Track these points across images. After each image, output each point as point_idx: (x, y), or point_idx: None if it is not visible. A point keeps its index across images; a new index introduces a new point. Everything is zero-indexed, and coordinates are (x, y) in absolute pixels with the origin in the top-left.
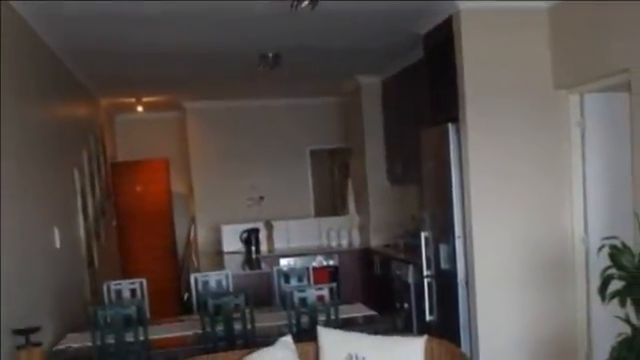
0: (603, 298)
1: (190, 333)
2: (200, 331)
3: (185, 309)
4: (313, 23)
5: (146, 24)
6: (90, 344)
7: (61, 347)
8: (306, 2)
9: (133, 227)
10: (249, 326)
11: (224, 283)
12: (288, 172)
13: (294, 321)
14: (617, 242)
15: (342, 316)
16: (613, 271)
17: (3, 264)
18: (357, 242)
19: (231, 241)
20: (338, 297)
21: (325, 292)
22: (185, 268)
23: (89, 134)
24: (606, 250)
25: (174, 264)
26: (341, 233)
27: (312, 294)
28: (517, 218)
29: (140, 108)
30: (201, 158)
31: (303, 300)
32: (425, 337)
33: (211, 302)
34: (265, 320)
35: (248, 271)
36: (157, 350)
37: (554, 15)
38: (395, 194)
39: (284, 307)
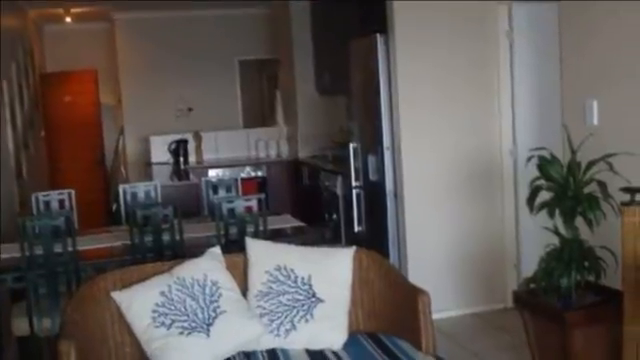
0: (531, 209)
1: (119, 244)
2: (128, 242)
3: (114, 220)
4: None
5: None
6: (19, 255)
7: None
8: None
9: (62, 138)
10: (177, 237)
11: (152, 194)
12: (217, 83)
13: (222, 232)
14: (545, 153)
15: (270, 227)
16: (541, 182)
17: None
18: (285, 153)
19: (159, 152)
20: (266, 208)
21: (253, 203)
22: (113, 179)
23: (17, 45)
24: (534, 161)
25: (102, 175)
26: (269, 144)
27: (240, 205)
28: (446, 130)
29: (69, 19)
30: (130, 69)
31: (231, 211)
32: (354, 248)
33: (139, 213)
34: (193, 231)
35: (177, 182)
36: (86, 261)
37: None
38: (324, 105)
39: (212, 218)
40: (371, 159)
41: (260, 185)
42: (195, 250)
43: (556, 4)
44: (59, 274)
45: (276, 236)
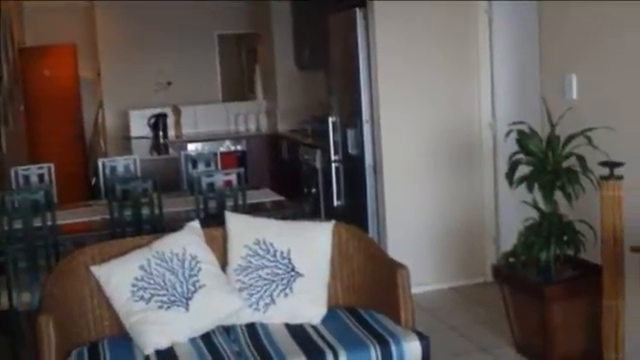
0: (511, 183)
1: (98, 218)
2: (108, 216)
3: (93, 194)
4: None
5: None
6: None
7: None
8: None
9: (41, 112)
10: (157, 211)
11: (132, 168)
12: (196, 57)
13: (202, 206)
14: (525, 127)
15: (250, 201)
16: (521, 156)
17: None
18: (265, 127)
19: (139, 126)
20: (246, 182)
21: (233, 177)
22: (92, 153)
23: None
24: (514, 135)
25: (82, 149)
26: (249, 118)
27: (220, 179)
28: (425, 104)
29: None
30: (109, 43)
31: (211, 185)
32: (333, 222)
33: (119, 187)
34: (173, 205)
35: (156, 156)
36: (65, 235)
37: None
38: (303, 79)
39: (192, 192)
40: (350, 133)
41: (239, 159)
42: (174, 224)
43: None
44: (38, 248)
45: (255, 210)
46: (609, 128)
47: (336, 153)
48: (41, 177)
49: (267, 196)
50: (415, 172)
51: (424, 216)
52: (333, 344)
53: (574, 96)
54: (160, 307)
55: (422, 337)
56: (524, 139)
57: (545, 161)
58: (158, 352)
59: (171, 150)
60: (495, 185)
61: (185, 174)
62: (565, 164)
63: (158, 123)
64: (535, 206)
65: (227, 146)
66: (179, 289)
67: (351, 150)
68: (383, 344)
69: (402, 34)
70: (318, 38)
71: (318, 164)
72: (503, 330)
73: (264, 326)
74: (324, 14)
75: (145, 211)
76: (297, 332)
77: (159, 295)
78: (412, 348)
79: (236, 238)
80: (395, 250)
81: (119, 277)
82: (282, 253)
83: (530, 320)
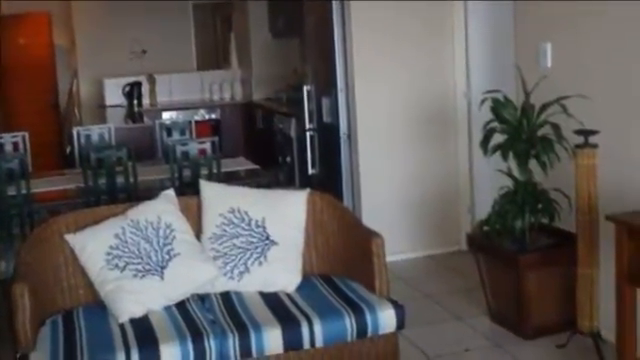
0: (485, 151)
1: (72, 187)
2: (82, 185)
3: (68, 163)
4: None
5: None
6: None
7: None
8: None
9: (16, 81)
10: (131, 180)
11: (106, 137)
12: (171, 26)
13: (176, 175)
14: (499, 96)
15: (224, 170)
16: (495, 124)
17: None
18: (239, 96)
19: (113, 95)
20: (220, 151)
21: (207, 146)
22: (67, 122)
23: None
24: (488, 104)
25: (56, 118)
26: (223, 87)
27: (194, 148)
28: (399, 72)
29: None
30: (84, 12)
31: (185, 154)
32: (307, 191)
33: (93, 156)
34: (147, 174)
35: (130, 125)
36: (39, 203)
37: None
38: (278, 48)
39: (166, 161)
40: (325, 101)
41: (214, 128)
42: (149, 193)
43: None
44: (13, 216)
45: (230, 179)
46: (583, 96)
47: (311, 122)
48: (15, 145)
49: (242, 165)
50: (390, 141)
51: (399, 184)
52: (308, 312)
53: (549, 64)
54: (135, 275)
55: (397, 305)
56: (499, 107)
57: (520, 129)
58: (132, 320)
59: (146, 119)
60: (470, 154)
61: (160, 143)
62: (540, 132)
63: (133, 92)
64: (510, 174)
65: (202, 115)
66: (154, 258)
67: (326, 119)
68: (358, 312)
69: (377, 3)
70: (293, 6)
71: (293, 133)
72: (478, 299)
73: (239, 294)
74: None
75: (120, 179)
76: (271, 300)
77: (134, 263)
78: (387, 316)
79: (211, 207)
80: (370, 218)
81: (94, 245)
82: (257, 222)
83: (504, 289)
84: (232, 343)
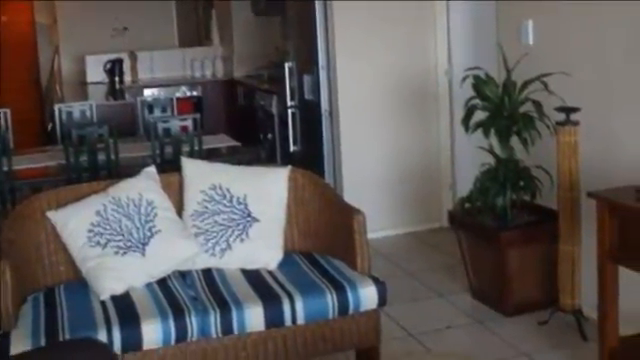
0: (467, 128)
1: (54, 164)
2: (64, 162)
3: (49, 140)
4: None
5: None
6: None
7: None
8: None
9: None
10: (113, 157)
11: (88, 114)
12: (152, 3)
13: (158, 152)
14: (481, 73)
15: (206, 147)
16: (477, 102)
17: None
18: (221, 73)
19: (95, 72)
20: (202, 128)
21: (189, 123)
22: (49, 99)
23: None
24: (470, 81)
25: (38, 95)
26: (205, 64)
27: (176, 125)
28: (381, 50)
29: None
30: None
31: (167, 131)
32: (289, 168)
33: (75, 133)
34: (129, 151)
35: (112, 102)
36: (21, 180)
37: None
38: (259, 25)
39: (148, 138)
40: (307, 78)
41: (195, 105)
42: (130, 170)
43: None
44: None
45: (211, 156)
46: (565, 74)
47: (292, 99)
48: None
49: (223, 142)
50: (371, 118)
51: (380, 161)
52: (289, 289)
53: (530, 42)
54: (116, 253)
55: (378, 282)
56: (480, 84)
57: (501, 106)
58: (114, 297)
59: (127, 95)
60: (451, 131)
61: (141, 119)
62: (521, 110)
63: (114, 68)
64: (491, 152)
65: (183, 92)
66: (135, 235)
67: (307, 96)
68: (339, 289)
69: None
70: None
71: (274, 110)
72: (459, 276)
73: (220, 271)
74: None
75: (101, 156)
76: (253, 277)
77: (115, 241)
78: (368, 293)
79: (192, 183)
80: (351, 195)
81: (75, 222)
82: (238, 198)
83: (486, 266)
84: (213, 320)
